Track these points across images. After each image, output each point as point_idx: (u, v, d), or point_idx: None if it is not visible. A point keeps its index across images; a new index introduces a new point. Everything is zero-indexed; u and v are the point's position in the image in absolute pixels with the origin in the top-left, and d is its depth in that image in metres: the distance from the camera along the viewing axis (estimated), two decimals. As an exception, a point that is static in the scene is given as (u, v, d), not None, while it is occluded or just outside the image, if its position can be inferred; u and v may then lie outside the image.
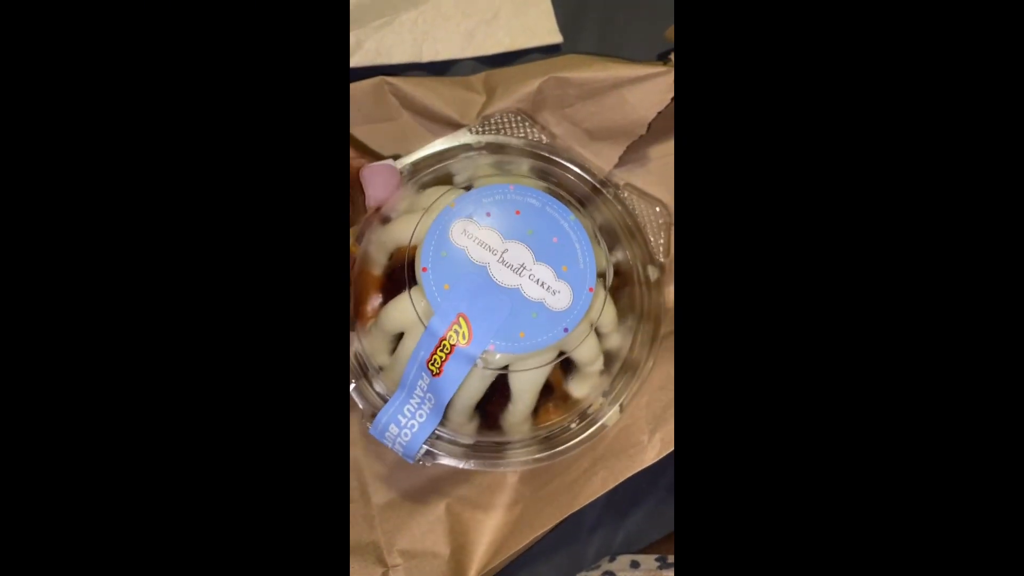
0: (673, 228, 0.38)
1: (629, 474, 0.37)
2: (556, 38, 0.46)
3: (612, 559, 0.40)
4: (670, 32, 0.41)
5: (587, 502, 0.37)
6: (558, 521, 0.38)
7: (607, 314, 0.34)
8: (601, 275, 0.34)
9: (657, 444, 0.37)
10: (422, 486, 0.39)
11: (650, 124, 0.41)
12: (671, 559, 0.39)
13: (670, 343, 0.37)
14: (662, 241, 0.38)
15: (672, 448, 0.37)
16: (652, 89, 0.41)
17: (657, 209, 0.38)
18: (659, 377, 0.38)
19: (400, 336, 0.33)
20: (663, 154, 0.43)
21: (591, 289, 0.33)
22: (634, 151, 0.42)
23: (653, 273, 0.36)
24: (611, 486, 0.37)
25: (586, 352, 0.34)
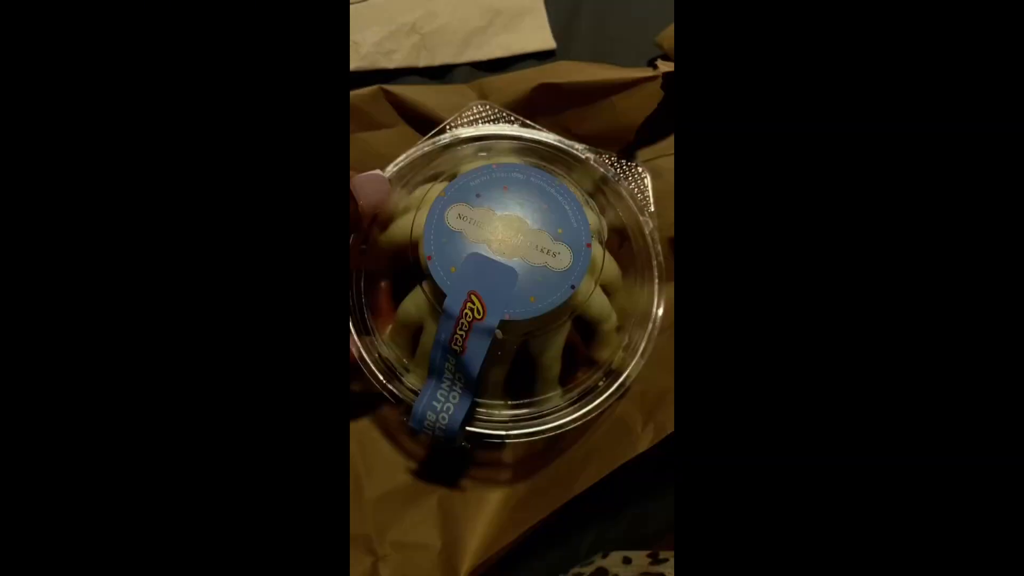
0: (652, 179, 0.40)
1: (623, 461, 0.37)
2: (550, 45, 0.47)
3: (605, 555, 0.40)
4: (660, 38, 0.43)
5: (581, 490, 0.37)
6: (552, 510, 0.38)
7: (609, 270, 0.35)
8: (596, 234, 0.35)
9: (651, 432, 0.38)
10: (415, 480, 0.39)
11: (638, 128, 0.43)
12: (663, 555, 0.39)
13: (668, 336, 0.38)
14: (649, 194, 0.39)
15: (665, 434, 0.37)
16: (640, 94, 0.43)
17: (637, 167, 0.39)
18: (653, 368, 0.39)
19: (419, 332, 0.34)
20: (651, 156, 0.45)
21: (588, 245, 0.34)
22: (623, 155, 0.43)
23: (645, 225, 0.38)
24: (605, 473, 0.37)
25: (597, 308, 0.34)
